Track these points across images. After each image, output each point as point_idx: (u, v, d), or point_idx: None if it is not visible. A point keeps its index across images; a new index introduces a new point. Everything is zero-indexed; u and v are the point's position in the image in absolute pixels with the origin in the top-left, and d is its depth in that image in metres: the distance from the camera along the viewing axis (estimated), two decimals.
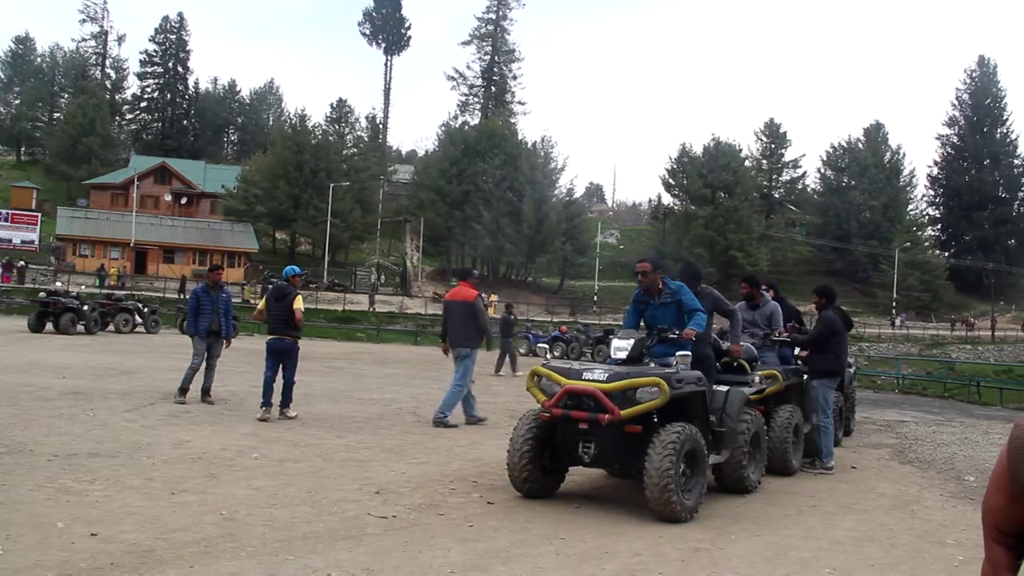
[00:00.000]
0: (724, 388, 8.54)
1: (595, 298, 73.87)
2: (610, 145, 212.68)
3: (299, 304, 12.29)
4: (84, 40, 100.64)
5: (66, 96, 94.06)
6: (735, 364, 9.21)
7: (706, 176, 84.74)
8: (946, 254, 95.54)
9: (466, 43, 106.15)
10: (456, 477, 8.63)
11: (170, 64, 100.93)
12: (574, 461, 7.77)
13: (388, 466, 9.03)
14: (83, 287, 45.18)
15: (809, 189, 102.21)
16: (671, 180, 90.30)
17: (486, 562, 5.75)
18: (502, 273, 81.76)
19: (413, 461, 9.44)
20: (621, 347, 7.88)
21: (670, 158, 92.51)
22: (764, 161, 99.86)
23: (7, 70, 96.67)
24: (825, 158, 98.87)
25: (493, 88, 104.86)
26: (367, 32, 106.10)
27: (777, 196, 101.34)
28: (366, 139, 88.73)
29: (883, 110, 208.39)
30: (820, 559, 6.35)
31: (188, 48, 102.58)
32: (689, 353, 7.64)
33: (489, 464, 9.30)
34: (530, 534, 6.56)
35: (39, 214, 68.13)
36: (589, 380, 7.31)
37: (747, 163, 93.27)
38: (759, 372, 9.61)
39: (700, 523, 7.24)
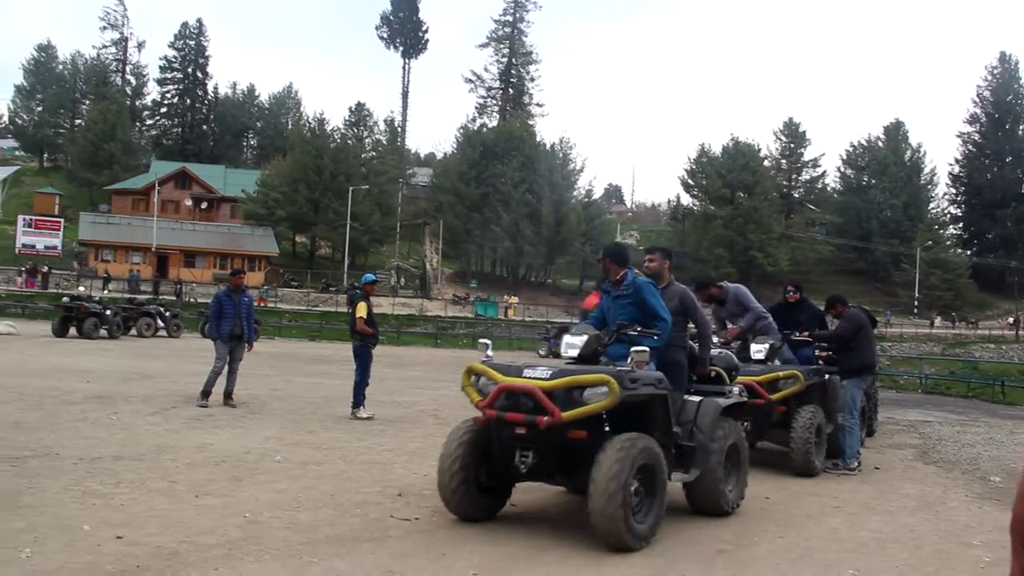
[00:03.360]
0: (696, 399, 7.63)
1: None
2: (628, 146, 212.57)
3: (359, 311, 13.21)
4: (105, 47, 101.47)
5: (87, 103, 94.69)
6: (712, 373, 8.25)
7: (725, 176, 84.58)
8: (968, 252, 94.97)
9: (483, 45, 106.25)
10: None
11: (189, 69, 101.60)
12: (510, 473, 6.70)
13: (410, 468, 9.05)
14: (105, 292, 45.50)
15: (829, 188, 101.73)
16: (690, 180, 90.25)
17: (510, 564, 5.76)
18: (521, 275, 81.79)
19: (435, 463, 9.44)
20: (573, 344, 6.92)
21: (689, 158, 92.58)
22: (783, 161, 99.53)
23: (30, 78, 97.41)
24: (845, 157, 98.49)
25: (511, 90, 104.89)
26: (385, 36, 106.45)
27: (797, 196, 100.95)
28: (384, 142, 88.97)
29: (903, 108, 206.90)
30: (844, 560, 6.32)
31: (207, 53, 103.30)
32: (646, 349, 6.62)
33: None
34: (555, 534, 6.56)
35: (62, 220, 68.63)
36: (530, 377, 6.42)
37: (766, 163, 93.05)
38: (752, 376, 9.31)
39: (722, 524, 7.22)
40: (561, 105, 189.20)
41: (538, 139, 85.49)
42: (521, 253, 76.48)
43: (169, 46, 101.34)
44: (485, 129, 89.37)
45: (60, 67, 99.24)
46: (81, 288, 37.34)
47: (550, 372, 6.39)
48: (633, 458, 6.07)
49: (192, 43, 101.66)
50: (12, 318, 36.18)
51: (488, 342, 7.23)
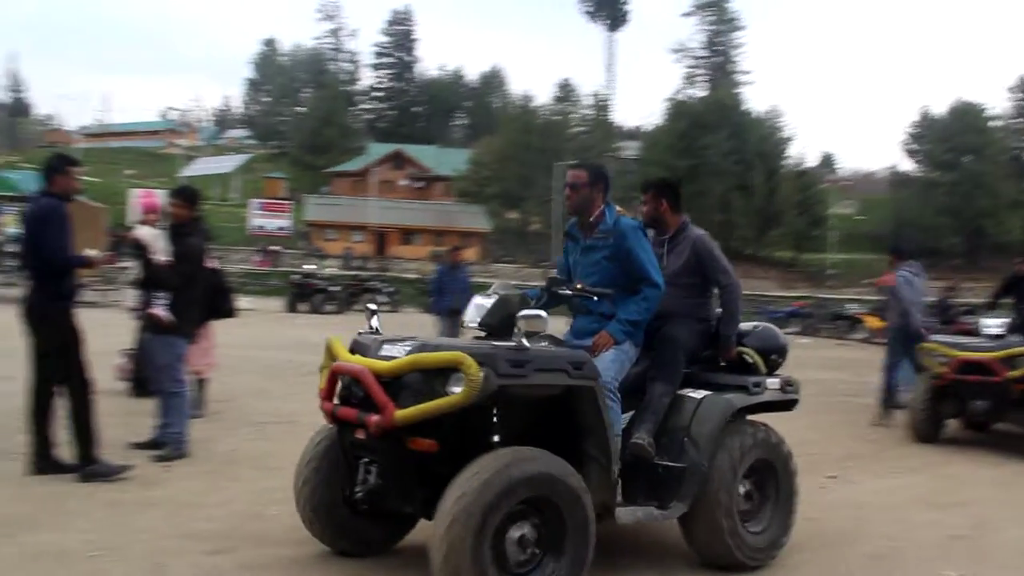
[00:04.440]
0: (697, 395, 5.18)
1: (832, 271, 71.09)
2: (842, 111, 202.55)
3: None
4: (322, 38, 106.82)
5: (307, 91, 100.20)
6: (747, 358, 5.52)
7: (950, 140, 79.43)
8: None
9: (688, 14, 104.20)
10: None
11: (400, 54, 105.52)
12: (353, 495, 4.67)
13: None
14: (329, 269, 48.04)
15: None
16: (911, 146, 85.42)
17: None
18: (733, 248, 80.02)
19: None
20: (481, 305, 4.86)
21: (910, 123, 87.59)
22: (1016, 121, 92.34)
23: (259, 71, 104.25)
24: None
25: (717, 59, 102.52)
26: (588, 10, 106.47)
27: None
28: (592, 117, 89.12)
29: None
30: None
31: (417, 38, 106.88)
32: (541, 315, 4.43)
33: None
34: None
35: (291, 202, 72.82)
36: (382, 356, 4.49)
37: (996, 123, 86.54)
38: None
39: (960, 509, 6.86)
40: (769, 71, 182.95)
41: (747, 108, 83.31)
42: (732, 226, 74.93)
43: (381, 32, 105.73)
44: (692, 99, 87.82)
45: (283, 59, 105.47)
46: (312, 266, 39.64)
47: (408, 348, 4.44)
48: (500, 491, 3.96)
49: (402, 28, 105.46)
50: (250, 295, 38.87)
51: (374, 307, 5.27)
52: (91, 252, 6.95)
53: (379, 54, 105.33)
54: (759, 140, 77.19)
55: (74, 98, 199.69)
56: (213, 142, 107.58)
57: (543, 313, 4.46)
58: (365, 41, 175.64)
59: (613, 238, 5.08)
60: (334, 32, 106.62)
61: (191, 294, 7.40)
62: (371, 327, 4.97)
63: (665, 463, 4.94)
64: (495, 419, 4.29)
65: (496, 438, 4.27)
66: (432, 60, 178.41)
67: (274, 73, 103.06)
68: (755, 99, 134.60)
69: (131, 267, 8.46)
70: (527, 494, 4.05)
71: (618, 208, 5.28)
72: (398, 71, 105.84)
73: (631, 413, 5.05)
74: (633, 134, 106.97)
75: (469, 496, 3.90)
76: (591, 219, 5.21)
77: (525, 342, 4.26)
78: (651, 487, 4.93)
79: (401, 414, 4.10)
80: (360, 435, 4.41)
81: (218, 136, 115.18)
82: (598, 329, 5.02)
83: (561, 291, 5.10)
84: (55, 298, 6.47)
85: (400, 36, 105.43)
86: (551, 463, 4.18)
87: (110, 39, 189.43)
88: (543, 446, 4.29)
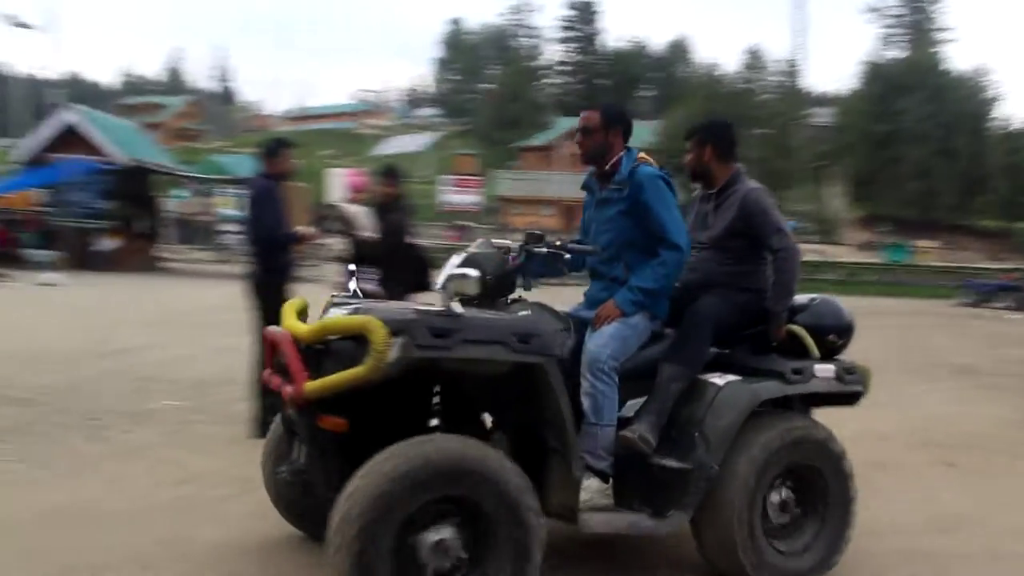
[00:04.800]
0: (719, 380, 4.24)
1: None
2: None
3: None
4: (507, 14, 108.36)
5: (496, 68, 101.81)
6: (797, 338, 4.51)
7: None
8: None
9: None
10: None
11: (584, 27, 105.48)
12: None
13: None
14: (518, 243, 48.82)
15: None
16: None
17: None
18: (935, 217, 75.82)
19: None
20: (452, 263, 4.07)
21: None
22: None
23: (449, 50, 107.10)
24: None
25: (915, 16, 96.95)
26: None
27: None
28: (781, 83, 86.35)
29: None
30: None
31: (600, 10, 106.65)
32: (473, 273, 3.93)
33: (939, 420, 8.71)
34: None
35: (482, 178, 74.22)
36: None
37: None
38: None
39: None
40: (975, 27, 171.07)
41: (947, 67, 78.41)
42: (933, 193, 70.93)
43: (565, 6, 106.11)
44: (889, 61, 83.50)
45: (470, 37, 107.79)
46: (505, 240, 40.32)
47: (347, 311, 3.76)
48: (395, 491, 3.27)
49: (585, 1, 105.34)
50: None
51: (353, 268, 4.56)
52: (303, 229, 7.37)
53: (564, 28, 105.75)
54: (961, 101, 72.58)
55: (276, 84, 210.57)
56: (404, 121, 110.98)
57: (472, 272, 3.89)
58: (549, 16, 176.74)
59: (628, 189, 4.29)
60: (518, 8, 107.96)
61: (396, 269, 7.69)
62: (349, 290, 4.27)
63: (665, 462, 4.05)
64: (436, 399, 3.80)
65: (435, 422, 3.79)
66: (616, 31, 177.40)
67: (462, 52, 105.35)
68: (958, 58, 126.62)
69: (335, 243, 8.87)
70: (433, 494, 3.36)
71: (640, 154, 4.50)
72: (583, 44, 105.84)
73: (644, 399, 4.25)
74: (824, 100, 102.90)
75: (356, 496, 3.27)
76: (607, 168, 4.46)
77: (456, 307, 3.63)
78: (648, 490, 4.09)
79: (310, 386, 3.51)
80: (290, 408, 3.84)
81: (409, 115, 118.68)
82: (608, 298, 4.22)
83: (536, 248, 4.29)
84: (272, 272, 6.92)
85: (584, 9, 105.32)
86: (472, 454, 3.47)
87: (306, 27, 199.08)
88: (506, 434, 3.88)
